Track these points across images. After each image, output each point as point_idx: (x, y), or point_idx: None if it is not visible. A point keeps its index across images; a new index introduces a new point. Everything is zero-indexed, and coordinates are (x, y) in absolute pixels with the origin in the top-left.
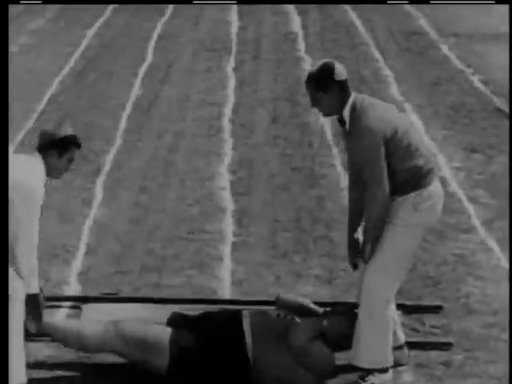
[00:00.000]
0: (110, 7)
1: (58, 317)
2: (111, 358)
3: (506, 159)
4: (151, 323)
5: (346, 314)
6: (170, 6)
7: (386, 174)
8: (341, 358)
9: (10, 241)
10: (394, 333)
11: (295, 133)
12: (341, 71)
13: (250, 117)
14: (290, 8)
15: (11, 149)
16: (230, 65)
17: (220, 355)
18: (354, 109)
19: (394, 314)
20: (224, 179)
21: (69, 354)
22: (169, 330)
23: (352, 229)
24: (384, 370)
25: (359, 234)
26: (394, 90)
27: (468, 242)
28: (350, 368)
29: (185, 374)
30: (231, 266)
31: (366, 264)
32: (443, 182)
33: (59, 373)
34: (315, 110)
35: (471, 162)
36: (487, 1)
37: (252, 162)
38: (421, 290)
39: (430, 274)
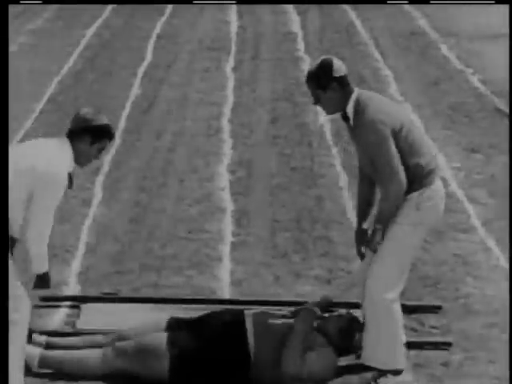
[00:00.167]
0: (109, 7)
1: (57, 317)
2: None
3: (506, 159)
4: (147, 331)
5: (345, 315)
6: (170, 6)
7: (401, 167)
8: (348, 358)
9: (23, 222)
10: None
11: (294, 133)
12: (339, 67)
13: (249, 117)
14: (290, 8)
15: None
16: (230, 65)
17: (222, 356)
18: (357, 104)
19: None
20: (223, 179)
21: None
22: (165, 334)
23: (361, 218)
24: (397, 372)
25: (368, 224)
26: (394, 90)
27: (467, 242)
28: (363, 368)
29: (186, 376)
30: (230, 265)
31: (374, 253)
32: (443, 182)
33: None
34: (314, 109)
35: (471, 162)
36: (487, 1)
37: (251, 162)
38: (420, 290)
39: (430, 274)
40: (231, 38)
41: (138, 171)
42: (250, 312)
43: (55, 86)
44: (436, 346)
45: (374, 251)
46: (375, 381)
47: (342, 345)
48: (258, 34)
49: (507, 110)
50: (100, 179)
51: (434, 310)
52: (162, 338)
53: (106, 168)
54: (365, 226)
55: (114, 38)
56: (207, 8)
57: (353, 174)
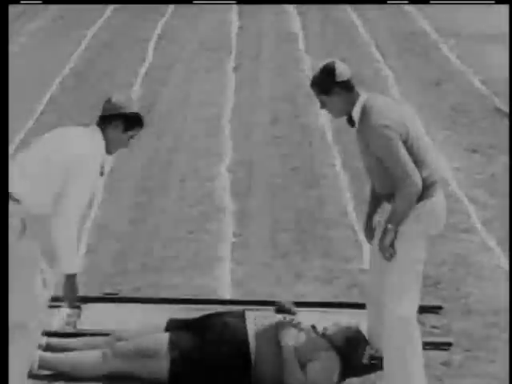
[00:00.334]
0: (110, 7)
1: (58, 317)
2: None
3: (506, 159)
4: (147, 332)
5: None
6: (170, 6)
7: (414, 167)
8: None
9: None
10: None
11: (295, 133)
12: (343, 71)
13: (249, 117)
14: (290, 8)
15: (11, 148)
16: (230, 65)
17: (223, 358)
18: (364, 109)
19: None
20: (224, 179)
21: None
22: (166, 335)
23: (371, 211)
24: None
25: (376, 219)
26: (394, 90)
27: (468, 242)
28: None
29: (187, 379)
30: (231, 266)
31: (386, 260)
32: (443, 182)
33: None
34: (315, 109)
35: (471, 162)
36: (487, 1)
37: (252, 163)
38: (420, 290)
39: (430, 274)
40: (232, 38)
41: (138, 171)
42: (251, 313)
43: (56, 86)
44: (436, 345)
45: (386, 257)
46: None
47: (345, 353)
48: (258, 35)
49: (507, 110)
50: (101, 179)
51: (435, 309)
52: (162, 339)
53: (106, 168)
54: (373, 220)
55: (114, 38)
56: (208, 8)
57: (353, 174)
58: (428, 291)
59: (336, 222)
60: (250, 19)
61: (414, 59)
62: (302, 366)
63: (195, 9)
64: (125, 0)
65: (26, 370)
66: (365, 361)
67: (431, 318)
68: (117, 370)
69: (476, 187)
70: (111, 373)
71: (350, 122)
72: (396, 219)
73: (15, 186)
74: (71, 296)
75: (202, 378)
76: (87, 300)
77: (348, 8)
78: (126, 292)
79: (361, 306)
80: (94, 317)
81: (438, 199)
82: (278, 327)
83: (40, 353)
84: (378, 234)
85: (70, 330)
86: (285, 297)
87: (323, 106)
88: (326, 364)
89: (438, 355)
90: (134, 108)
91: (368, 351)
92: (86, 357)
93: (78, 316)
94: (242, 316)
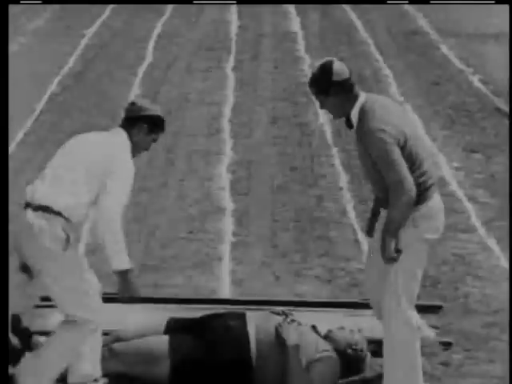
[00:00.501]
0: (110, 7)
1: (57, 317)
2: None
3: (505, 159)
4: (146, 332)
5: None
6: (170, 6)
7: (409, 175)
8: None
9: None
10: None
11: (295, 133)
12: (340, 71)
13: (249, 116)
14: (290, 8)
15: (11, 148)
16: (230, 64)
17: (224, 359)
18: (362, 111)
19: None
20: (223, 179)
21: None
22: (166, 337)
23: (375, 208)
24: None
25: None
26: (394, 90)
27: (468, 242)
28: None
29: (187, 380)
30: (231, 265)
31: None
32: (443, 182)
33: None
34: (314, 109)
35: (471, 162)
36: (487, 1)
37: (251, 162)
38: (420, 290)
39: (430, 274)
40: (231, 37)
41: (138, 171)
42: (251, 315)
43: (55, 85)
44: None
45: (387, 262)
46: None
47: (346, 358)
48: (258, 34)
49: (507, 110)
50: None
51: (435, 309)
52: (162, 343)
53: None
54: (375, 220)
55: (114, 38)
56: (207, 8)
57: (353, 174)
58: (428, 291)
59: (336, 222)
60: (249, 19)
61: (414, 59)
62: (305, 367)
63: (195, 9)
64: (125, 0)
65: (63, 365)
66: (365, 370)
67: (431, 318)
68: (114, 371)
69: (476, 187)
70: (109, 373)
71: (349, 123)
72: (391, 229)
73: (53, 198)
74: (127, 292)
75: (203, 380)
76: None
77: (348, 8)
78: None
79: (361, 306)
80: None
81: (433, 203)
82: (280, 328)
83: None
84: (377, 232)
85: None
86: (285, 297)
87: (322, 106)
88: (329, 365)
89: (438, 355)
90: (157, 111)
91: (368, 359)
92: None
93: None
94: (243, 318)
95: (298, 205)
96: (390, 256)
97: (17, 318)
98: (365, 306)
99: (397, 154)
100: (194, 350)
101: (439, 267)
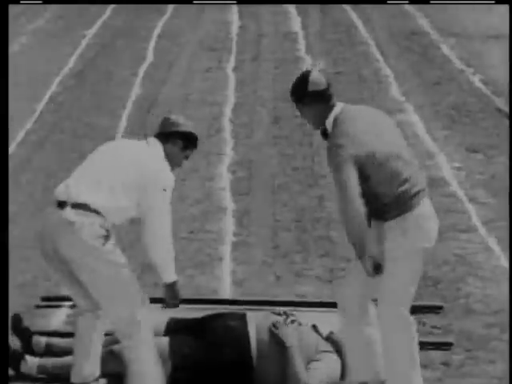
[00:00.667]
0: (110, 7)
1: (58, 317)
2: None
3: (506, 159)
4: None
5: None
6: (170, 6)
7: (356, 194)
8: None
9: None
10: None
11: (295, 133)
12: (316, 81)
13: (250, 117)
14: (290, 8)
15: (11, 148)
16: (230, 65)
17: (224, 360)
18: (335, 121)
19: None
20: (224, 179)
21: None
22: (166, 340)
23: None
24: None
25: None
26: (395, 90)
27: (468, 242)
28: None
29: (188, 380)
30: (231, 265)
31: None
32: (443, 182)
33: None
34: None
35: (471, 162)
36: (487, 1)
37: (252, 162)
38: (421, 290)
39: (431, 274)
40: (232, 38)
41: None
42: (252, 315)
43: (56, 86)
44: (437, 345)
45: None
46: None
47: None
48: (258, 34)
49: (507, 110)
50: None
51: (435, 310)
52: (162, 345)
53: None
54: None
55: (114, 38)
56: (208, 8)
57: None
58: (428, 291)
59: (336, 222)
60: (249, 19)
61: (414, 59)
62: (305, 367)
63: (195, 9)
64: (125, 0)
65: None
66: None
67: (431, 318)
68: (114, 371)
69: (476, 187)
70: (108, 373)
71: (324, 134)
72: (355, 251)
73: (91, 198)
74: (174, 301)
75: (204, 381)
76: None
77: (348, 8)
78: None
79: None
80: None
81: (421, 211)
82: (275, 329)
83: (38, 360)
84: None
85: (69, 329)
86: (285, 297)
87: (301, 114)
88: (329, 365)
89: (438, 355)
90: (191, 128)
91: None
92: None
93: (78, 316)
94: (243, 318)
95: (299, 205)
96: (369, 275)
97: (18, 318)
98: None
99: (349, 172)
100: (195, 351)
101: (440, 267)
